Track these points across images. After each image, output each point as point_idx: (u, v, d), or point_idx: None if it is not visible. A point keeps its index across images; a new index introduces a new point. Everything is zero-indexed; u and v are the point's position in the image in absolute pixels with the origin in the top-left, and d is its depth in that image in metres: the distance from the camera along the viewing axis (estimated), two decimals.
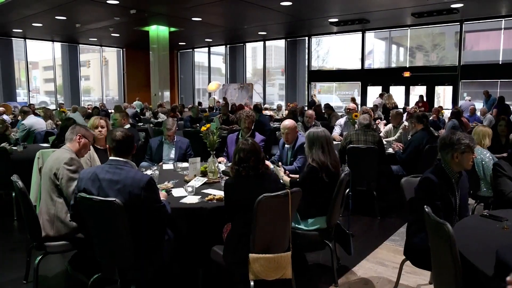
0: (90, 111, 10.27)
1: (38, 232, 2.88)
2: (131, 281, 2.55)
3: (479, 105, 12.22)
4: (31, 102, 16.34)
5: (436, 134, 6.35)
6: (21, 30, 15.97)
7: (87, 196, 2.43)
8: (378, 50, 17.45)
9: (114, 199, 2.35)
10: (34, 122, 7.02)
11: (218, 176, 3.66)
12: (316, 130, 3.31)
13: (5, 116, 8.61)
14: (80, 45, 19.83)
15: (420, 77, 14.77)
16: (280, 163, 3.93)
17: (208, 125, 3.90)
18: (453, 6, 11.33)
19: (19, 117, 8.33)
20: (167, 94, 16.27)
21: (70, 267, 3.27)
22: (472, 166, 2.70)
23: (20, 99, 18.37)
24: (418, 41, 15.82)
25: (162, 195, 2.90)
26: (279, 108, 13.79)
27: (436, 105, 12.43)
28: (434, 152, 4.59)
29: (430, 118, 9.16)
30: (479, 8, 11.84)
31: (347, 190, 3.40)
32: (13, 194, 4.62)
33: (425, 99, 13.50)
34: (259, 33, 16.73)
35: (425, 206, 2.17)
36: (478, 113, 10.64)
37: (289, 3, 11.11)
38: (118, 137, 2.56)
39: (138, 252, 2.48)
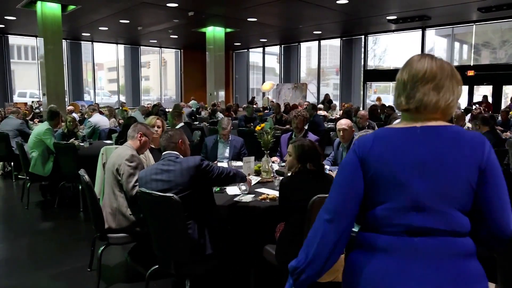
0: (150, 109, 10.72)
1: (101, 223, 3.06)
2: (186, 275, 2.63)
3: None
4: (96, 101, 17.39)
5: (503, 137, 5.93)
6: (89, 34, 17.04)
7: (147, 191, 2.54)
8: (440, 48, 16.59)
9: (172, 195, 2.44)
10: (99, 120, 7.46)
11: (272, 175, 3.67)
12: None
13: (73, 114, 9.24)
14: (141, 46, 20.77)
15: (486, 76, 13.83)
16: (331, 171, 3.86)
17: (262, 125, 3.93)
18: None
19: (86, 115, 8.91)
20: (222, 93, 16.59)
21: (130, 258, 3.44)
22: None
23: (88, 98, 19.62)
24: (484, 38, 14.83)
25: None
26: (333, 108, 13.56)
27: (503, 106, 11.63)
28: (502, 156, 4.30)
29: (498, 119, 8.58)
30: None
31: None
32: (80, 187, 4.96)
33: (489, 99, 12.68)
34: (314, 32, 16.54)
35: None
36: None
37: (346, 1, 10.88)
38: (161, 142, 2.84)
39: (193, 245, 2.56)
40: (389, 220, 1.29)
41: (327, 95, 15.74)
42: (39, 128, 5.53)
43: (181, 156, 2.75)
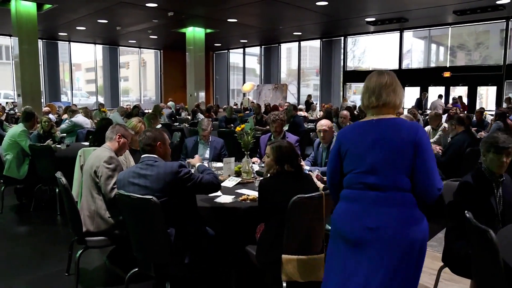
0: (129, 111, 10.57)
1: (79, 227, 3.00)
2: (167, 277, 2.60)
3: None
4: (74, 102, 17.06)
5: (478, 136, 6.10)
6: (66, 34, 16.71)
7: (126, 193, 2.51)
8: (417, 50, 16.95)
9: (151, 197, 2.41)
10: (82, 121, 7.31)
11: (252, 176, 3.68)
12: None
13: (50, 115, 9.03)
14: (120, 47, 20.50)
15: (461, 77, 14.20)
16: (311, 171, 3.89)
17: (242, 126, 3.93)
18: (499, 2, 10.83)
19: (63, 116, 8.72)
20: (202, 94, 16.52)
21: (108, 261, 3.39)
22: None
23: (65, 99, 19.22)
24: (459, 40, 15.23)
25: (197, 159, 3.27)
26: (313, 108, 13.68)
27: (478, 107, 11.96)
28: (476, 155, 4.41)
29: (473, 119, 8.81)
30: None
31: None
32: (57, 190, 4.85)
33: (464, 100, 13.05)
34: (294, 33, 16.66)
35: (466, 212, 2.08)
36: None
37: (325, 3, 10.99)
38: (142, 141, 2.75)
39: (174, 250, 2.54)
40: (356, 180, 1.94)
41: (309, 96, 15.94)
42: (14, 130, 5.39)
43: (160, 160, 2.67)
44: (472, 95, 13.91)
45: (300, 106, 14.36)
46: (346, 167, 2.00)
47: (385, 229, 1.82)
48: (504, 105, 11.95)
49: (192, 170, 2.88)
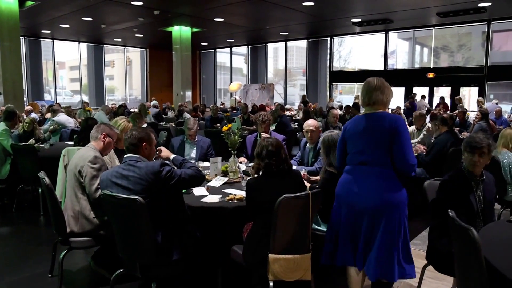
0: (114, 110, 10.45)
1: (63, 227, 2.96)
2: (152, 277, 2.59)
3: (506, 107, 11.86)
4: (58, 101, 16.79)
5: (461, 136, 6.21)
6: (49, 31, 16.42)
7: (110, 193, 2.48)
8: (401, 51, 17.17)
9: (136, 197, 2.39)
10: (65, 120, 7.20)
11: (239, 176, 3.68)
12: (331, 135, 3.19)
13: (33, 114, 8.86)
14: (105, 45, 20.25)
15: (445, 78, 14.45)
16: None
17: (229, 125, 3.93)
18: (480, 5, 11.04)
19: (47, 116, 8.57)
20: (189, 94, 16.44)
21: (93, 262, 3.34)
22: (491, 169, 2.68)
23: (48, 98, 18.90)
24: (443, 41, 15.48)
25: (165, 151, 3.09)
26: (300, 108, 13.74)
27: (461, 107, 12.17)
28: (459, 155, 4.48)
29: (456, 120, 8.96)
30: (508, 7, 11.49)
31: None
32: (40, 190, 4.77)
33: (446, 100, 13.27)
34: (281, 33, 16.70)
35: (449, 210, 2.12)
36: (506, 116, 10.33)
37: (312, 3, 11.05)
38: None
39: (159, 250, 2.52)
40: (353, 158, 2.64)
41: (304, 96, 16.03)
42: None
43: (142, 160, 2.63)
44: (455, 96, 14.14)
45: (287, 106, 14.41)
46: (347, 149, 2.69)
47: (366, 193, 2.52)
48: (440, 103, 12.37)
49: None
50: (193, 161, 4.43)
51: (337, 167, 2.86)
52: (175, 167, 2.77)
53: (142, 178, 2.51)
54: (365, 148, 2.54)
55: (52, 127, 6.90)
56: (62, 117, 7.21)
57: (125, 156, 2.67)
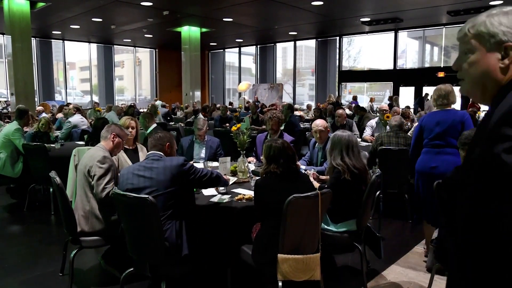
0: (124, 110, 10.53)
1: (74, 226, 2.98)
2: (162, 277, 2.60)
3: None
4: (68, 101, 16.94)
5: None
6: (60, 32, 16.60)
7: (121, 192, 2.50)
8: (411, 50, 17.03)
9: (147, 196, 2.40)
10: (79, 121, 7.25)
11: (248, 175, 3.67)
12: (341, 134, 3.18)
13: (44, 114, 8.96)
14: (114, 46, 20.40)
15: (456, 77, 14.10)
16: (307, 171, 3.89)
17: (238, 125, 3.93)
18: (492, 3, 10.90)
19: (57, 116, 8.65)
20: (198, 94, 16.49)
21: (103, 261, 3.37)
22: None
23: (59, 98, 19.09)
24: (453, 40, 15.29)
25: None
26: (309, 108, 13.70)
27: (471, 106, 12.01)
28: None
29: None
30: None
31: (378, 192, 3.34)
32: (51, 190, 4.82)
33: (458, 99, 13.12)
34: (290, 33, 16.67)
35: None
36: None
37: (321, 3, 11.01)
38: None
39: (169, 247, 2.54)
40: (428, 141, 3.58)
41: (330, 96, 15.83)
42: (8, 128, 5.34)
43: (165, 156, 2.78)
44: (466, 96, 13.98)
45: (295, 106, 14.37)
46: (424, 135, 3.61)
47: (439, 167, 3.41)
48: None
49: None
50: (202, 161, 4.44)
51: (410, 152, 3.78)
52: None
53: (167, 169, 2.61)
54: (439, 135, 3.49)
55: (69, 129, 6.94)
56: (76, 118, 7.27)
57: (148, 152, 2.81)
